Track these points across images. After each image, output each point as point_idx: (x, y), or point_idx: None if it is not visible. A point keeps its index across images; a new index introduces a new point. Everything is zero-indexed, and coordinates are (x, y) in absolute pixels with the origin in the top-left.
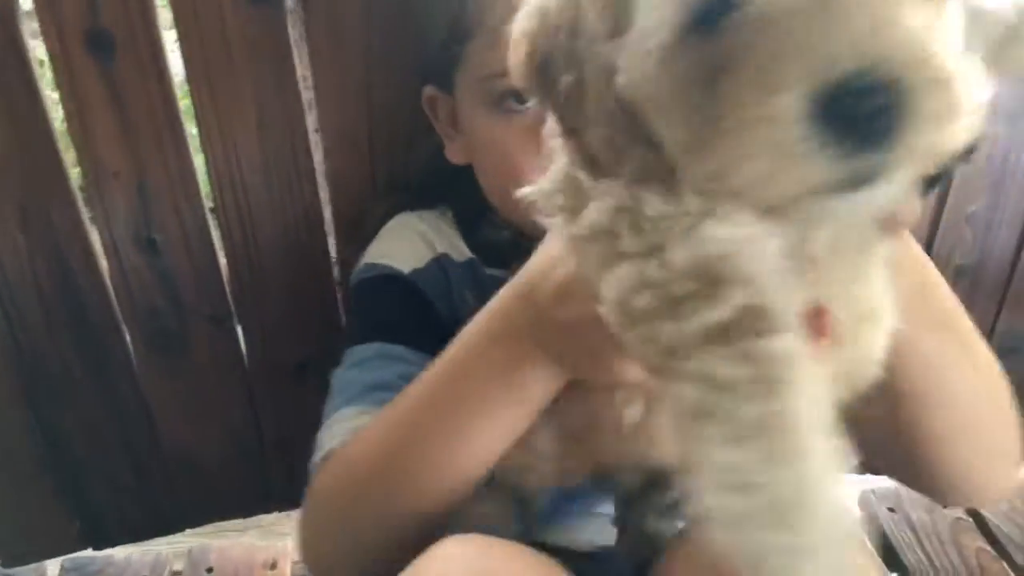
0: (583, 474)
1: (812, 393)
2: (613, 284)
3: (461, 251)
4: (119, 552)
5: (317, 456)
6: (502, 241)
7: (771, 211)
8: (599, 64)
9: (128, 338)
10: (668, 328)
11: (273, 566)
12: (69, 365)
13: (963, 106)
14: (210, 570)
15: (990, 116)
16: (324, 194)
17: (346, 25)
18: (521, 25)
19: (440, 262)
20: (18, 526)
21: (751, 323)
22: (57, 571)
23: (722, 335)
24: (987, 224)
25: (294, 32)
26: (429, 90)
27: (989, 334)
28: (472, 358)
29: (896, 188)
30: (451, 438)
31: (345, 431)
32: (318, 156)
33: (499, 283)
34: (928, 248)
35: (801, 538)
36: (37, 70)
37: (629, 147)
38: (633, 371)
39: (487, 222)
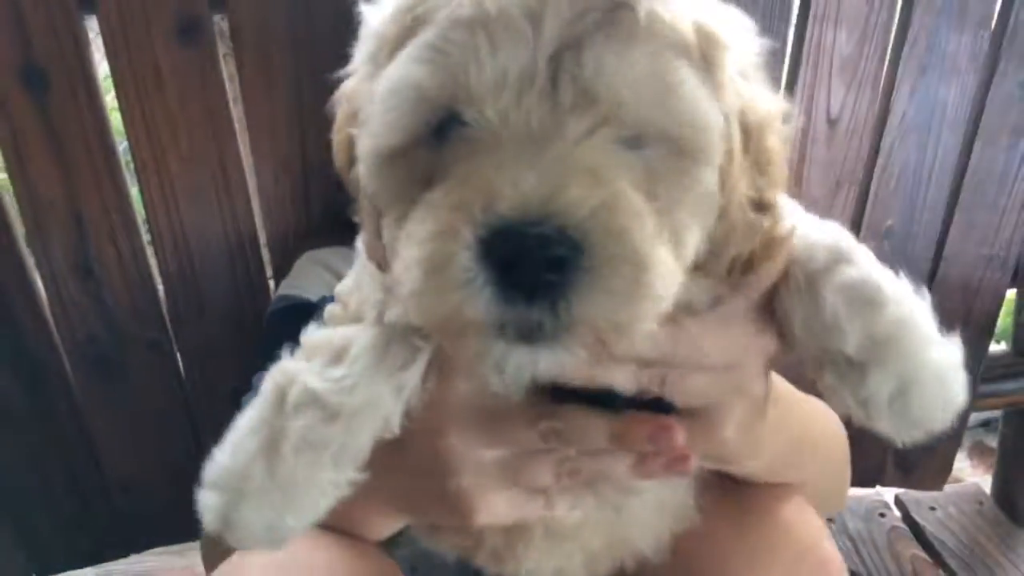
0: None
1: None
2: None
3: None
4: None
5: None
6: None
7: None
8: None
9: (68, 366)
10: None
11: None
12: (9, 394)
13: (647, 292)
14: None
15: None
16: (259, 221)
17: (276, 59)
18: (338, 107)
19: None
20: None
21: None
22: None
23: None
24: (903, 238)
25: (226, 68)
26: None
27: None
28: None
29: (563, 355)
30: None
31: None
32: (252, 185)
33: None
34: None
35: None
36: None
37: (377, 236)
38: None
39: None
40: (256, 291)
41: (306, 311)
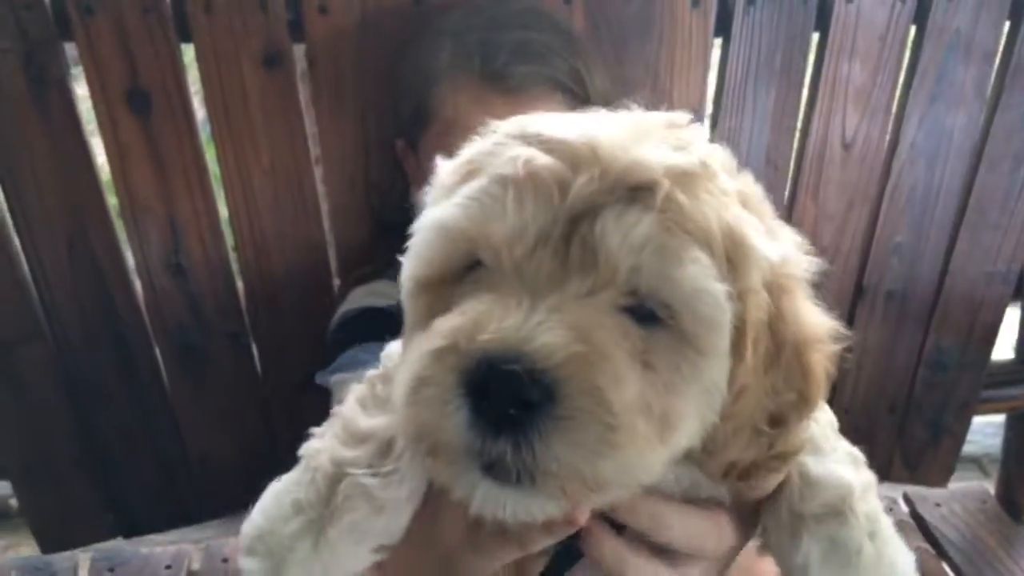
0: None
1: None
2: None
3: None
4: (145, 544)
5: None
6: None
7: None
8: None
9: (158, 352)
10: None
11: None
12: (106, 376)
13: (617, 452)
14: (225, 560)
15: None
16: (327, 228)
17: (347, 87)
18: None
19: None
20: (58, 517)
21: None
22: (88, 561)
23: None
24: (912, 253)
25: (304, 93)
26: (400, 143)
27: (918, 353)
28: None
29: (532, 504)
30: None
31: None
32: (322, 197)
33: None
34: (859, 275)
35: None
36: (84, 123)
37: None
38: None
39: None
40: (323, 290)
41: (377, 312)
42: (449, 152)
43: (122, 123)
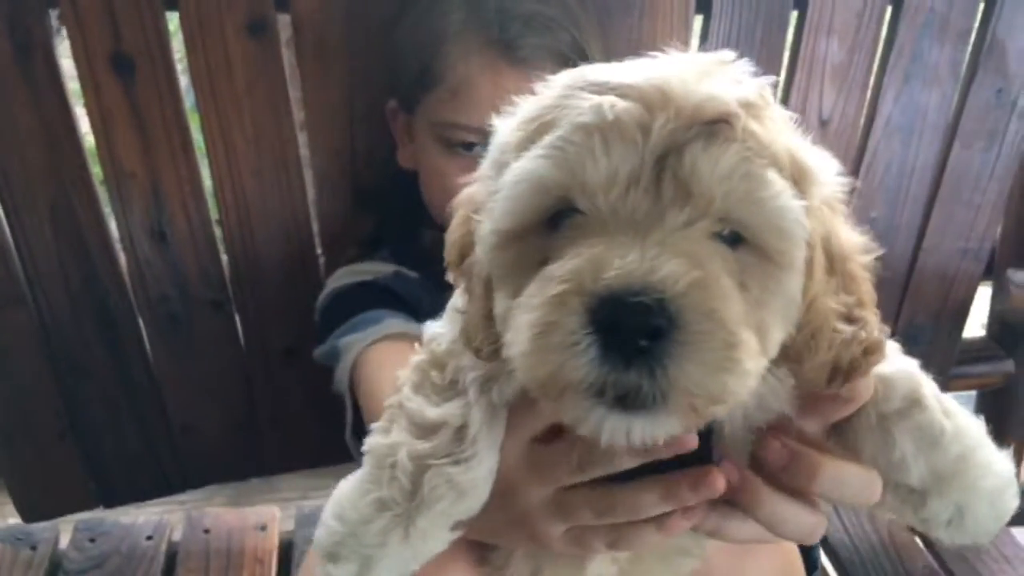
0: None
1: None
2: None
3: (410, 273)
4: (126, 514)
5: (346, 372)
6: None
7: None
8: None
9: (141, 321)
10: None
11: (263, 528)
12: (89, 345)
13: (737, 366)
14: (207, 531)
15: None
16: (311, 198)
17: (332, 56)
18: (457, 209)
19: (397, 274)
20: (39, 486)
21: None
22: (70, 531)
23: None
24: (887, 229)
25: (288, 61)
26: (392, 103)
27: (892, 327)
28: None
29: (658, 425)
30: None
31: (375, 332)
32: (306, 165)
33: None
34: None
35: None
36: (69, 89)
37: (485, 327)
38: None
39: (426, 229)
40: (307, 261)
41: (367, 285)
42: (453, 120)
43: (105, 88)
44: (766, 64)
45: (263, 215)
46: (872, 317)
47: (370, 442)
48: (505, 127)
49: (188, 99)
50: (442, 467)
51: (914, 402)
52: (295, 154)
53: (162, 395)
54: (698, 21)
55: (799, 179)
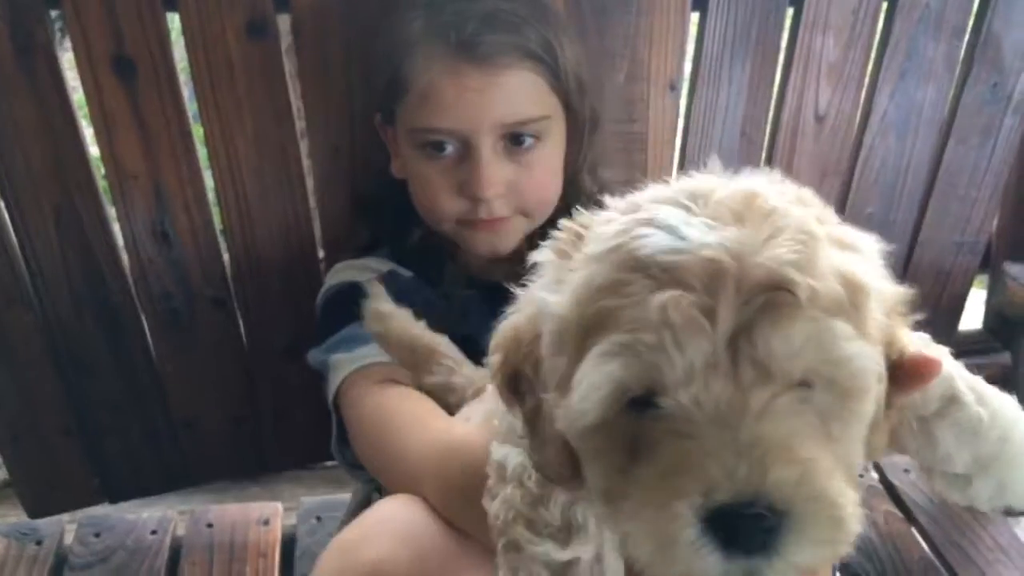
0: None
1: None
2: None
3: (404, 272)
4: (130, 510)
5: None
6: (429, 253)
7: None
8: (549, 403)
9: (144, 319)
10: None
11: (266, 522)
12: (93, 342)
13: (844, 533)
14: (210, 525)
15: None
16: (312, 197)
17: (332, 57)
18: (496, 339)
19: (391, 274)
20: (44, 482)
21: None
22: (74, 527)
23: None
24: (883, 224)
25: (288, 64)
26: (378, 117)
27: None
28: None
29: None
30: None
31: (360, 357)
32: (307, 165)
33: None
34: None
35: None
36: (71, 90)
37: (568, 475)
38: None
39: (419, 229)
40: (308, 259)
41: (357, 288)
42: (423, 125)
43: (107, 90)
44: (762, 61)
45: (264, 215)
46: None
47: None
48: (555, 300)
49: (190, 101)
50: None
51: (950, 400)
52: (296, 155)
53: (165, 392)
54: (695, 18)
55: (857, 303)
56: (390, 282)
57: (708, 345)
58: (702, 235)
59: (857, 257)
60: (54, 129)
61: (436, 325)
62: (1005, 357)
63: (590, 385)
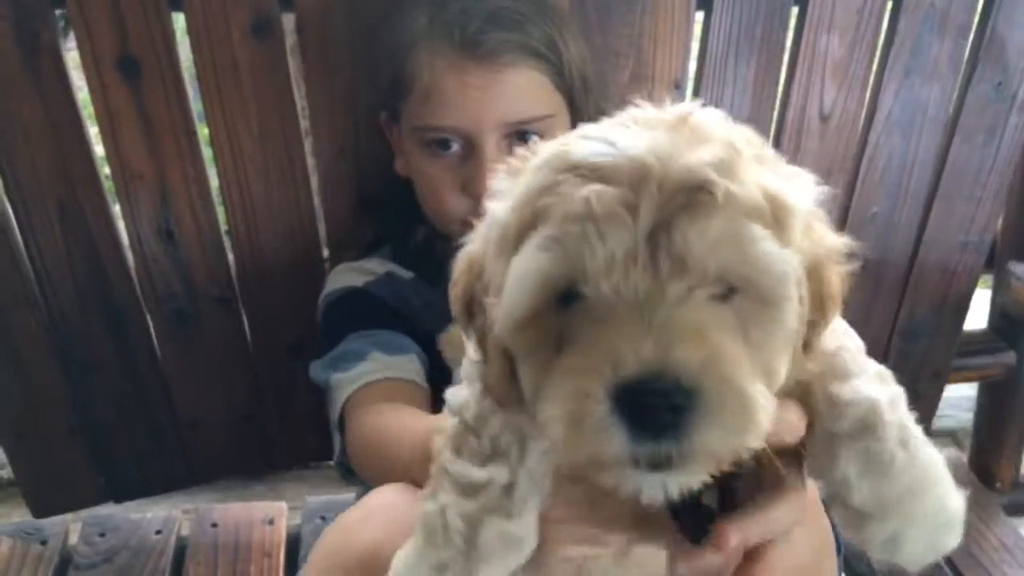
0: None
1: None
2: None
3: (404, 273)
4: (135, 509)
5: (342, 395)
6: (432, 253)
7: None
8: (491, 310)
9: (149, 318)
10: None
11: (271, 522)
12: (98, 342)
13: (752, 423)
14: (214, 525)
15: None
16: (316, 196)
17: (337, 56)
18: (456, 266)
19: (389, 276)
20: (50, 482)
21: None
22: (79, 526)
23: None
24: (888, 223)
25: (292, 61)
26: (384, 115)
27: (893, 321)
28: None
29: (690, 479)
30: None
31: (358, 377)
32: (312, 165)
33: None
34: None
35: None
36: (77, 90)
37: (511, 393)
38: None
39: (423, 227)
40: (313, 258)
41: (355, 293)
42: (427, 123)
43: (112, 90)
44: (766, 60)
45: (269, 214)
46: (818, 343)
47: (420, 510)
48: (500, 208)
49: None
50: (494, 522)
51: (867, 428)
52: (300, 154)
53: (170, 391)
54: (699, 17)
55: (779, 217)
56: (388, 284)
57: (629, 237)
58: (631, 141)
59: (787, 183)
60: (59, 129)
61: (436, 326)
62: (1010, 356)
63: (519, 276)
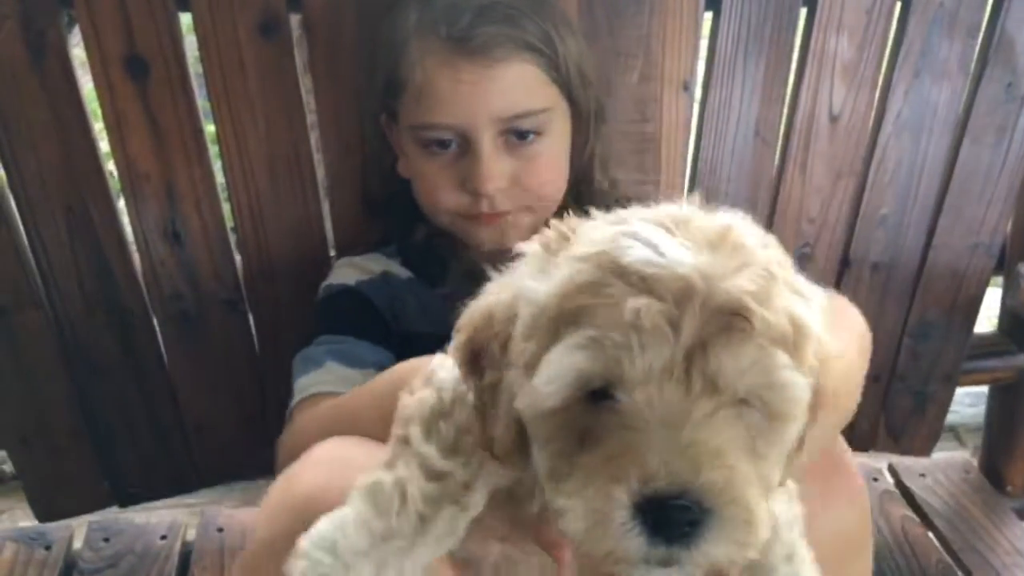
0: None
1: None
2: None
3: (402, 272)
4: (140, 513)
5: (293, 402)
6: (432, 252)
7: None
8: (511, 382)
9: (155, 320)
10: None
11: None
12: (104, 344)
13: (754, 538)
14: (220, 530)
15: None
16: (324, 197)
17: (343, 56)
18: (468, 315)
19: (384, 276)
20: (53, 486)
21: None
22: (84, 531)
23: None
24: (897, 225)
25: (299, 59)
26: (384, 118)
27: (903, 324)
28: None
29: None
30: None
31: (308, 387)
32: (319, 166)
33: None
34: (845, 248)
35: None
36: (83, 90)
37: (511, 451)
38: None
39: (424, 225)
40: (320, 260)
41: (346, 292)
42: (422, 122)
43: (119, 90)
44: (775, 61)
45: (276, 215)
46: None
47: (372, 477)
48: (538, 289)
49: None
50: (450, 510)
51: (788, 558)
52: (308, 154)
53: (176, 394)
54: (708, 18)
55: (799, 343)
56: (381, 284)
57: (668, 352)
58: (679, 255)
59: (805, 304)
60: (66, 128)
61: (428, 328)
62: (1021, 359)
63: (557, 371)
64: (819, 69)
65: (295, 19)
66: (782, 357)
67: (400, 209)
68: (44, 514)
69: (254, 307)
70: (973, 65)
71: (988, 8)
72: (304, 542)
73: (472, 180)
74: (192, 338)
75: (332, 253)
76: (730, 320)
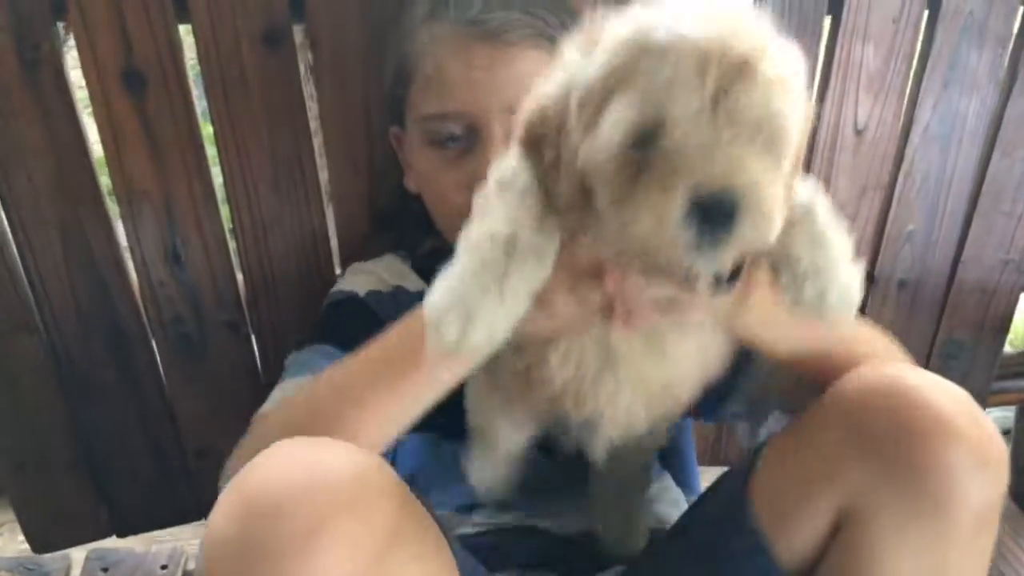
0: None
1: None
2: None
3: (416, 283)
4: (139, 543)
5: (263, 408)
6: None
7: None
8: (573, 147)
9: (154, 344)
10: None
11: None
12: (101, 369)
13: (772, 228)
14: None
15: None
16: (329, 214)
17: (349, 69)
18: (523, 114)
19: (395, 292)
20: (50, 515)
21: None
22: (82, 561)
23: None
24: (925, 242)
25: (303, 68)
26: (394, 129)
27: (930, 342)
28: (396, 347)
29: (727, 258)
30: (368, 407)
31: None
32: (324, 179)
33: None
34: (871, 264)
35: None
36: (79, 104)
37: (579, 203)
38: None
39: (432, 239)
40: (325, 280)
41: (352, 301)
42: (433, 112)
43: (116, 105)
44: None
45: (279, 233)
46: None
47: (467, 234)
48: (586, 74)
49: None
50: (529, 236)
51: (809, 213)
52: (312, 170)
53: (176, 420)
54: None
55: (787, 86)
56: (390, 302)
57: (698, 97)
58: (697, 27)
59: (791, 68)
60: (61, 144)
61: None
62: None
63: (614, 123)
64: (844, 80)
65: (300, 31)
66: (784, 93)
67: (409, 222)
68: (40, 545)
69: (256, 330)
70: (1003, 75)
71: (1019, 17)
72: (430, 297)
73: (481, 173)
74: (193, 362)
75: (338, 271)
76: (741, 68)
